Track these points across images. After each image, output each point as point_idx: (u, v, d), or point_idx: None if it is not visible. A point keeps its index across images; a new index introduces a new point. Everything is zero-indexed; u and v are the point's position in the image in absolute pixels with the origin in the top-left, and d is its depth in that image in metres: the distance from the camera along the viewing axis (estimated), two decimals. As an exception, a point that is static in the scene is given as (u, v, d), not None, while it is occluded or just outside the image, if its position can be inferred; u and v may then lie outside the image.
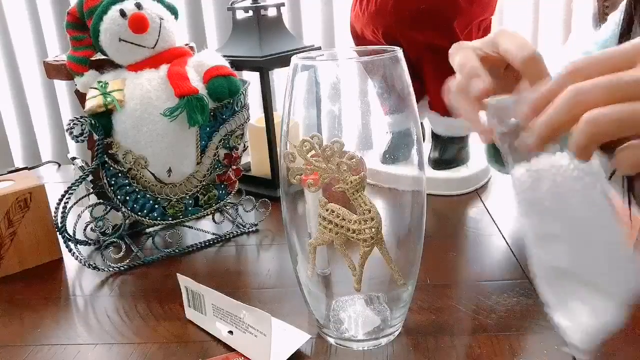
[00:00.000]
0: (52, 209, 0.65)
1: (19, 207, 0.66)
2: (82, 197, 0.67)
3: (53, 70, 0.71)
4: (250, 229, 0.74)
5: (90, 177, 0.66)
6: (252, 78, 0.80)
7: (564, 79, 0.33)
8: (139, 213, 0.66)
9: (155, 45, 0.64)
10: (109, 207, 0.66)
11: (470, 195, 0.81)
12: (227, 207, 0.73)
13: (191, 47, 0.71)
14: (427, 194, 0.46)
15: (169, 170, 0.66)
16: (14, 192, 0.65)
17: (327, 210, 0.43)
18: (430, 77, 0.82)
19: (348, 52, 0.50)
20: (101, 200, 0.66)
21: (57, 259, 0.70)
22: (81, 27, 0.65)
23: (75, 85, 0.67)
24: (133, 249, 0.68)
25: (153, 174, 0.66)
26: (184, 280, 0.54)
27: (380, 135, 0.42)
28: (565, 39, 1.64)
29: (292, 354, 0.47)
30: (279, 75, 1.55)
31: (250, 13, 0.81)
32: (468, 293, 0.56)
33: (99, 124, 0.63)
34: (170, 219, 0.68)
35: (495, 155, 0.65)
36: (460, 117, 0.42)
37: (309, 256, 0.45)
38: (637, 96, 0.30)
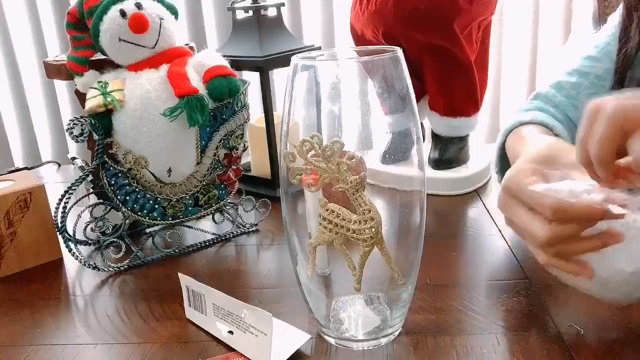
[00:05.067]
0: (52, 209, 0.65)
1: (19, 207, 0.66)
2: (82, 197, 0.67)
3: (53, 70, 0.71)
4: (250, 229, 0.74)
5: (90, 177, 0.66)
6: (252, 78, 0.80)
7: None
8: (139, 213, 0.66)
9: (155, 45, 0.64)
10: (109, 207, 0.66)
11: (470, 195, 0.81)
12: (227, 207, 0.73)
13: (191, 47, 0.71)
14: (427, 194, 0.46)
15: (169, 170, 0.66)
16: (14, 192, 0.65)
17: (327, 210, 0.43)
18: (430, 77, 0.82)
19: (348, 52, 0.50)
20: (101, 200, 0.66)
21: (57, 259, 0.70)
22: (81, 27, 0.65)
23: (75, 85, 0.67)
24: (133, 249, 0.68)
25: (153, 174, 0.66)
26: (185, 280, 0.54)
27: (380, 135, 0.42)
28: (565, 39, 1.64)
29: (292, 354, 0.47)
30: (279, 75, 1.55)
31: (250, 13, 0.81)
32: (468, 293, 0.56)
33: (99, 124, 0.63)
34: (170, 219, 0.68)
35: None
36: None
37: (309, 256, 0.45)
38: None
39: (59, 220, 0.64)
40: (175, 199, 0.67)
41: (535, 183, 0.42)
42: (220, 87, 0.64)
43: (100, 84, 0.63)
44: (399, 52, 0.42)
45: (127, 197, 0.65)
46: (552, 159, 0.44)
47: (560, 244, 0.41)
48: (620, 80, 0.61)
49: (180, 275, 0.54)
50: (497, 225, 0.71)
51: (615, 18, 0.63)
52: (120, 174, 0.65)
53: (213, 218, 0.74)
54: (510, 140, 0.61)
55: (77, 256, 0.65)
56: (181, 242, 0.71)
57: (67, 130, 0.62)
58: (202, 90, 0.64)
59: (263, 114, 0.81)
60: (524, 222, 0.43)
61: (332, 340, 0.49)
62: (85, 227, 0.65)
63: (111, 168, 0.64)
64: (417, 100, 0.78)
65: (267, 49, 0.79)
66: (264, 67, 0.78)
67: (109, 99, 0.62)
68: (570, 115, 0.63)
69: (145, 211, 0.67)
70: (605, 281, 0.42)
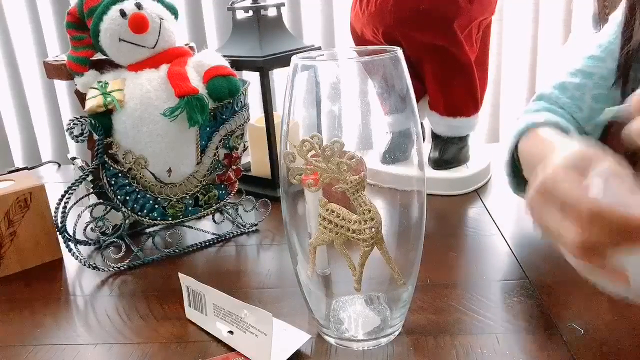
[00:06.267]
0: (52, 209, 0.65)
1: (19, 207, 0.66)
2: (82, 197, 0.67)
3: (53, 70, 0.71)
4: (250, 229, 0.74)
5: (90, 177, 0.66)
6: (252, 78, 0.80)
7: None
8: (139, 213, 0.66)
9: (155, 45, 0.64)
10: (109, 207, 0.66)
11: (470, 195, 0.81)
12: (227, 207, 0.73)
13: (191, 47, 0.71)
14: (427, 194, 0.46)
15: (169, 170, 0.66)
16: (14, 192, 0.65)
17: (327, 210, 0.43)
18: (430, 77, 0.82)
19: (348, 52, 0.50)
20: (101, 200, 0.66)
21: (57, 259, 0.70)
22: (81, 27, 0.65)
23: (75, 85, 0.67)
24: (133, 249, 0.68)
25: (153, 174, 0.66)
26: (185, 280, 0.54)
27: (380, 135, 0.42)
28: (565, 39, 1.64)
29: (292, 354, 0.47)
30: (279, 75, 1.55)
31: (250, 13, 0.81)
32: (468, 293, 0.56)
33: (99, 124, 0.63)
34: (170, 219, 0.68)
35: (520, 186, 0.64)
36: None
37: (309, 256, 0.45)
38: None
39: (59, 220, 0.64)
40: (175, 199, 0.67)
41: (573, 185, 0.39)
42: (220, 87, 0.64)
43: (100, 84, 0.63)
44: (399, 52, 0.42)
45: (127, 197, 0.65)
46: (586, 164, 0.41)
47: (594, 248, 0.38)
48: (624, 79, 0.60)
49: (180, 275, 0.54)
50: (497, 225, 0.71)
51: (617, 17, 0.62)
52: (120, 174, 0.65)
53: (213, 218, 0.74)
54: (527, 142, 0.59)
55: (77, 256, 0.65)
56: (181, 242, 0.71)
57: (67, 130, 0.62)
58: (202, 90, 0.64)
59: (263, 114, 0.81)
60: (556, 224, 0.40)
61: (332, 340, 0.49)
62: (85, 227, 0.65)
63: (111, 168, 0.64)
64: (417, 100, 0.78)
65: (267, 49, 0.79)
66: (264, 67, 0.78)
67: (109, 99, 0.62)
68: (575, 116, 0.63)
69: (145, 211, 0.67)
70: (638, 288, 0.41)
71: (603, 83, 0.61)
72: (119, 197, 0.65)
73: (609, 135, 0.63)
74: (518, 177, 0.64)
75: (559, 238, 0.41)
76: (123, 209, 0.66)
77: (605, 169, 0.40)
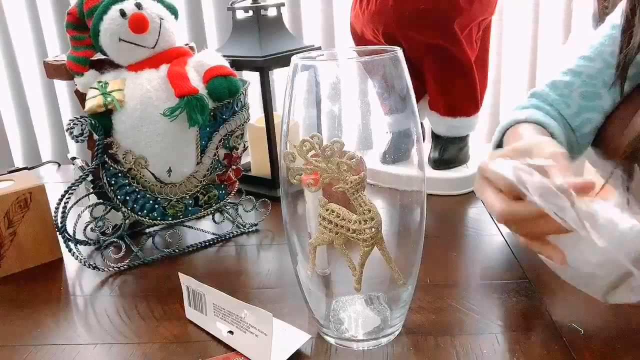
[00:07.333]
0: (52, 209, 0.65)
1: (19, 207, 0.66)
2: (82, 197, 0.67)
3: (53, 70, 0.71)
4: (250, 229, 0.74)
5: (90, 177, 0.66)
6: (252, 78, 0.80)
7: None
8: (139, 213, 0.66)
9: (155, 45, 0.64)
10: (109, 207, 0.66)
11: (470, 195, 0.81)
12: (227, 207, 0.73)
13: (191, 47, 0.71)
14: (427, 194, 0.46)
15: (169, 170, 0.66)
16: (14, 192, 0.65)
17: (327, 210, 0.43)
18: (430, 77, 0.82)
19: (348, 52, 0.50)
20: (101, 200, 0.66)
21: (57, 259, 0.70)
22: (81, 27, 0.65)
23: (75, 85, 0.67)
24: (133, 249, 0.68)
25: (153, 174, 0.66)
26: (185, 279, 0.54)
27: (380, 135, 0.42)
28: (565, 39, 1.64)
29: (292, 354, 0.47)
30: (279, 75, 1.55)
31: (250, 13, 0.81)
32: (468, 293, 0.56)
33: (99, 124, 0.63)
34: (170, 219, 0.68)
35: None
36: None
37: (309, 256, 0.45)
38: None
39: (59, 220, 0.64)
40: (175, 199, 0.67)
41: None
42: (220, 87, 0.64)
43: (100, 84, 0.63)
44: (399, 52, 0.42)
45: (127, 197, 0.65)
46: (528, 151, 0.45)
47: (516, 220, 0.42)
48: (622, 79, 0.61)
49: (180, 275, 0.54)
50: (497, 225, 0.71)
51: (613, 18, 0.63)
52: (120, 174, 0.65)
53: (213, 218, 0.74)
54: (509, 138, 0.62)
55: (77, 256, 0.65)
56: (181, 242, 0.71)
57: (67, 130, 0.62)
58: (202, 90, 0.64)
59: (263, 114, 0.81)
60: (490, 199, 0.44)
61: (332, 340, 0.49)
62: (85, 227, 0.65)
63: (111, 168, 0.64)
64: (417, 100, 0.78)
65: (267, 49, 0.79)
66: (264, 67, 0.78)
67: (109, 99, 0.62)
68: (563, 113, 0.64)
69: (145, 211, 0.67)
70: (579, 272, 0.42)
71: (590, 82, 0.63)
72: (119, 197, 0.65)
73: (606, 137, 0.63)
74: None
75: (491, 208, 0.45)
76: (123, 209, 0.66)
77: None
